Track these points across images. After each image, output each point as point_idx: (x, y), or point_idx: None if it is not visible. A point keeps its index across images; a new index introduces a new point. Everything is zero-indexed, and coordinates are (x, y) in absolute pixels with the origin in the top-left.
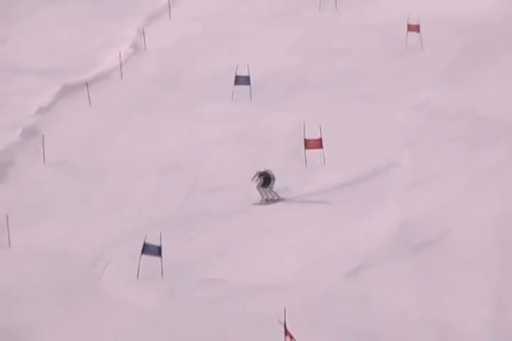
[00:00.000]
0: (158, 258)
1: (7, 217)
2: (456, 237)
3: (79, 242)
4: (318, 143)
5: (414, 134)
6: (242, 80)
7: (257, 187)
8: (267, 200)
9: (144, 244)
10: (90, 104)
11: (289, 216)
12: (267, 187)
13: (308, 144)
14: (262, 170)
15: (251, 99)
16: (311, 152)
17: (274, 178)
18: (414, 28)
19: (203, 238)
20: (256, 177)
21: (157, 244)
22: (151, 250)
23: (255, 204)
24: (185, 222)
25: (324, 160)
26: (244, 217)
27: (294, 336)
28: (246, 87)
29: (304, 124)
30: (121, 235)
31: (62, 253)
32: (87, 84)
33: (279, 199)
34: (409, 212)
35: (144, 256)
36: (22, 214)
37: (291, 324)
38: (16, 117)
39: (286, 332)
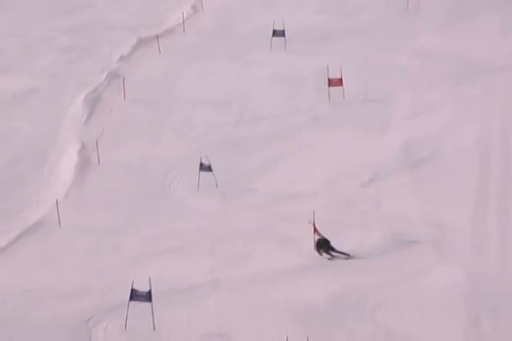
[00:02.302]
0: (212, 173)
1: (96, 141)
2: (447, 154)
3: (153, 160)
4: (339, 82)
5: (413, 74)
6: (278, 33)
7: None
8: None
9: (200, 163)
10: (160, 52)
11: (318, 139)
12: (328, 250)
13: (331, 83)
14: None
15: (285, 48)
16: (334, 89)
17: (328, 241)
18: None
19: (250, 157)
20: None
21: (211, 163)
22: (205, 167)
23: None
24: (236, 145)
25: (344, 95)
26: (283, 140)
27: (321, 232)
28: (282, 39)
29: (328, 67)
30: (185, 155)
31: (141, 169)
32: (157, 37)
33: (348, 256)
34: (410, 135)
35: (202, 172)
36: (108, 138)
37: (319, 223)
38: (102, 64)
39: (315, 230)
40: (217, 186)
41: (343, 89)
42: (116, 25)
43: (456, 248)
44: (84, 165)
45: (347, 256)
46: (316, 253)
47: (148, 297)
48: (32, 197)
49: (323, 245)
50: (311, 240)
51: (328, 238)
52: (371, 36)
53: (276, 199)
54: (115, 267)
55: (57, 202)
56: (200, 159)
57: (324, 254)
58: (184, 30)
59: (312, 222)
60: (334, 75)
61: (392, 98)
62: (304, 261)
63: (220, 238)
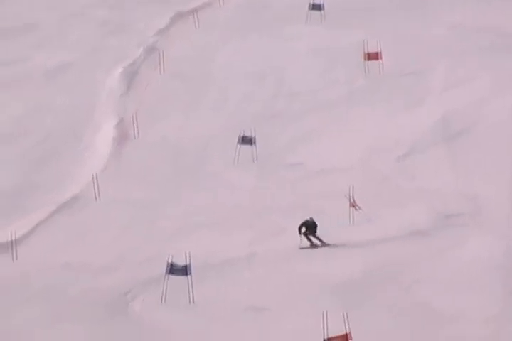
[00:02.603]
0: (252, 147)
1: (133, 115)
2: (484, 127)
3: (190, 135)
4: (376, 56)
5: (450, 46)
6: (316, 7)
7: (303, 234)
8: (311, 245)
9: (241, 136)
10: (198, 26)
11: (354, 113)
12: (311, 234)
13: (369, 56)
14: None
15: (322, 22)
16: (371, 63)
17: (316, 225)
18: None
19: (286, 132)
20: (302, 228)
21: (252, 135)
22: (246, 140)
23: (301, 248)
24: (272, 119)
25: (382, 68)
26: (319, 115)
27: (359, 207)
28: (319, 13)
29: (365, 41)
30: (222, 129)
31: (178, 143)
32: (194, 11)
33: (323, 244)
34: (447, 108)
35: (240, 145)
36: (145, 113)
37: (356, 198)
38: (139, 38)
39: (353, 204)
40: (255, 160)
41: (381, 63)
42: (153, 2)
43: (492, 221)
44: (121, 139)
45: (323, 244)
46: (352, 227)
47: (185, 271)
48: (69, 171)
49: (311, 227)
50: (349, 215)
51: (366, 213)
52: (409, 10)
53: (312, 174)
54: (152, 241)
55: (93, 176)
56: (242, 132)
57: (303, 237)
58: (220, 5)
59: (349, 197)
60: (371, 49)
61: (428, 71)
62: (341, 235)
63: (256, 212)
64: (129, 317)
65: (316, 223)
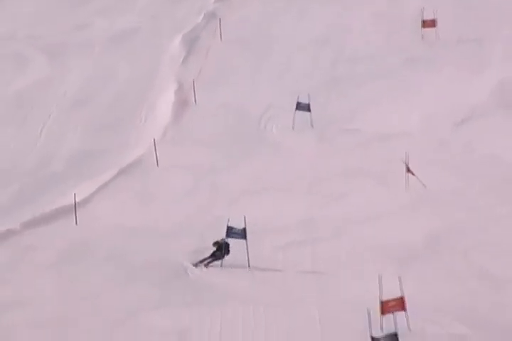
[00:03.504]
0: (308, 113)
1: (193, 81)
2: None
3: (249, 101)
4: (433, 23)
5: (509, 14)
6: None
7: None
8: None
9: (297, 102)
10: None
11: (414, 80)
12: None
13: (425, 24)
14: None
15: None
16: (427, 30)
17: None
18: None
19: (345, 98)
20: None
21: (307, 102)
22: (303, 107)
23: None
24: (332, 86)
25: (438, 35)
26: (379, 81)
27: (415, 173)
28: None
29: (423, 8)
30: (281, 96)
31: (237, 109)
32: None
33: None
34: (505, 75)
35: (298, 111)
36: (205, 79)
37: (412, 163)
38: (199, 5)
39: (408, 169)
40: (312, 126)
41: (436, 30)
42: None
43: None
44: (181, 104)
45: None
46: (409, 193)
47: (243, 234)
48: (130, 136)
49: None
50: (405, 180)
51: (421, 179)
52: None
53: (371, 140)
54: (213, 206)
55: (154, 141)
56: (298, 98)
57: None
58: None
59: (406, 163)
60: (428, 17)
61: (487, 38)
62: (398, 201)
63: (315, 177)
64: (189, 280)
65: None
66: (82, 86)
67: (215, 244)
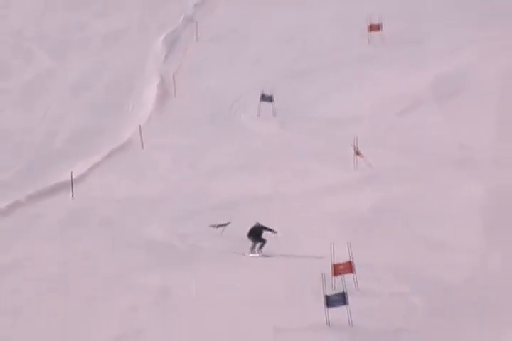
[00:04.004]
0: (271, 103)
1: (173, 75)
2: (472, 87)
3: (221, 92)
4: (378, 27)
5: (444, 18)
6: None
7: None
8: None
9: (262, 94)
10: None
11: (361, 75)
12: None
13: (372, 28)
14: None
15: None
16: (374, 33)
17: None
18: None
19: (304, 89)
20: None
21: (269, 94)
22: (266, 98)
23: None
24: (293, 79)
25: (383, 37)
26: (331, 75)
27: (365, 154)
28: None
29: (370, 14)
30: (249, 88)
31: (211, 99)
32: None
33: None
34: (440, 71)
35: (262, 102)
36: (183, 74)
37: (362, 145)
38: (179, 10)
39: (357, 151)
40: (274, 114)
41: (381, 34)
42: None
43: (477, 166)
44: (163, 95)
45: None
46: (358, 172)
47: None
48: (119, 122)
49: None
50: (354, 161)
51: (368, 159)
52: None
53: (325, 126)
54: (190, 180)
55: (140, 126)
56: (262, 90)
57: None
58: None
59: (355, 146)
60: (374, 22)
61: (424, 40)
62: (349, 178)
63: (277, 158)
64: (174, 248)
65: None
66: (79, 77)
67: (253, 231)
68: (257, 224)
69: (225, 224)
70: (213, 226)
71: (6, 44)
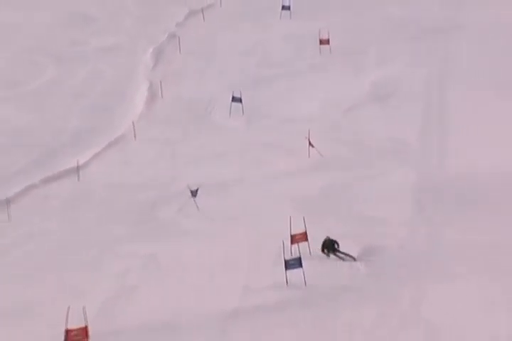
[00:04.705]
0: (240, 104)
1: (160, 81)
2: (403, 91)
3: (199, 95)
4: (327, 41)
5: (379, 34)
6: (286, 7)
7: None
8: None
9: (232, 96)
10: (204, 20)
11: (314, 80)
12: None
13: (322, 42)
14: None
15: (290, 17)
16: (323, 46)
17: (334, 242)
18: None
19: (266, 92)
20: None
21: (239, 96)
22: (237, 99)
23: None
24: (257, 84)
25: (330, 50)
26: (289, 80)
27: (315, 146)
28: (288, 11)
29: (319, 30)
30: (222, 91)
31: (190, 101)
32: (202, 9)
33: (351, 257)
34: (377, 77)
35: (233, 103)
36: (168, 80)
37: (313, 139)
38: (164, 28)
39: (310, 143)
40: (243, 113)
41: (330, 47)
42: (174, 2)
43: (409, 156)
44: (151, 97)
45: (352, 258)
46: (310, 160)
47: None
48: (116, 119)
49: (329, 246)
50: (308, 151)
51: (319, 150)
52: (351, 9)
53: (284, 122)
54: (173, 167)
55: (133, 122)
56: (233, 93)
57: (331, 255)
58: (221, 5)
59: (308, 138)
60: (324, 37)
61: (363, 51)
62: (303, 165)
63: (244, 149)
64: (158, 222)
65: (335, 240)
66: (80, 83)
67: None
68: (328, 237)
69: (196, 190)
70: (192, 193)
71: (18, 57)
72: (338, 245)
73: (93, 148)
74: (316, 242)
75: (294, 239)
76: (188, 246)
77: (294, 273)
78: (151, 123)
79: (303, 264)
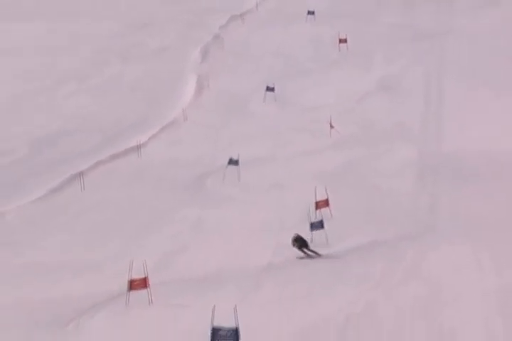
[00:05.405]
0: (274, 93)
1: (207, 75)
2: (406, 82)
3: (238, 87)
4: (345, 40)
5: (387, 37)
6: (310, 12)
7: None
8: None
9: (266, 86)
10: (243, 23)
11: (332, 74)
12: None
13: (341, 41)
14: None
15: (314, 21)
16: (342, 45)
17: (304, 240)
18: None
19: (294, 84)
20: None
21: (273, 86)
22: (270, 89)
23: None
24: (286, 77)
25: (348, 48)
26: (314, 74)
27: (337, 128)
28: (312, 16)
29: (338, 32)
30: (258, 83)
31: (232, 91)
32: (241, 14)
33: (317, 254)
34: (385, 72)
35: (267, 92)
36: (213, 74)
37: (333, 122)
38: (210, 30)
39: (331, 125)
40: (275, 101)
41: (346, 46)
42: (217, 9)
43: (410, 137)
44: (199, 88)
45: (317, 255)
46: (330, 140)
47: (237, 163)
48: (170, 106)
49: (300, 242)
50: (329, 132)
51: (338, 130)
52: (363, 14)
53: (308, 109)
54: (216, 146)
55: (183, 109)
56: (267, 84)
57: (297, 250)
58: (257, 10)
59: (329, 121)
60: (343, 36)
61: (374, 50)
62: (324, 144)
63: (276, 131)
64: (205, 191)
65: (304, 239)
66: (140, 77)
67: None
68: (297, 235)
69: (236, 160)
70: (233, 162)
71: (92, 56)
72: (307, 244)
73: (151, 130)
74: (335, 208)
75: (317, 205)
76: (230, 210)
77: (318, 233)
78: (198, 110)
79: (325, 226)
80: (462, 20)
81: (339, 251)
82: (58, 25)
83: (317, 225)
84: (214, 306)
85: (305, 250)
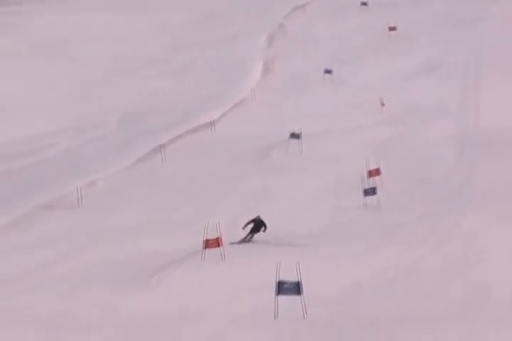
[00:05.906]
0: (330, 75)
1: (273, 59)
2: (446, 65)
3: (302, 69)
4: (394, 28)
5: (429, 25)
6: (363, 3)
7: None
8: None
9: (325, 69)
10: (305, 13)
11: (382, 58)
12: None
13: (390, 29)
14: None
15: (367, 12)
16: (391, 32)
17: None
18: None
19: (348, 68)
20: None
21: (330, 69)
22: (328, 72)
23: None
24: (341, 61)
25: (397, 35)
26: (362, 60)
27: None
28: (366, 7)
29: (389, 22)
30: (316, 66)
31: (295, 73)
32: (304, 5)
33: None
34: (427, 55)
35: (325, 74)
36: (278, 58)
37: (385, 101)
38: (274, 20)
39: (382, 103)
40: (333, 81)
41: (395, 33)
42: (281, 1)
43: (450, 112)
44: (266, 71)
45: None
46: (381, 116)
47: (298, 136)
48: (239, 87)
49: (256, 225)
50: (379, 108)
51: (388, 108)
52: (411, 5)
53: (360, 89)
54: (281, 121)
55: (252, 89)
56: (325, 68)
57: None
58: (317, 1)
59: (380, 99)
60: (392, 25)
61: (418, 36)
62: (377, 120)
63: (331, 108)
64: (271, 162)
65: (262, 224)
66: (213, 61)
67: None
68: (258, 217)
69: (298, 134)
70: (296, 136)
71: (173, 43)
72: (265, 229)
73: (223, 108)
74: (386, 176)
75: (370, 174)
76: (292, 179)
77: (370, 199)
78: (265, 90)
79: (377, 192)
80: (498, 7)
81: (389, 212)
82: (135, 16)
83: (370, 191)
84: (279, 262)
85: (251, 234)
